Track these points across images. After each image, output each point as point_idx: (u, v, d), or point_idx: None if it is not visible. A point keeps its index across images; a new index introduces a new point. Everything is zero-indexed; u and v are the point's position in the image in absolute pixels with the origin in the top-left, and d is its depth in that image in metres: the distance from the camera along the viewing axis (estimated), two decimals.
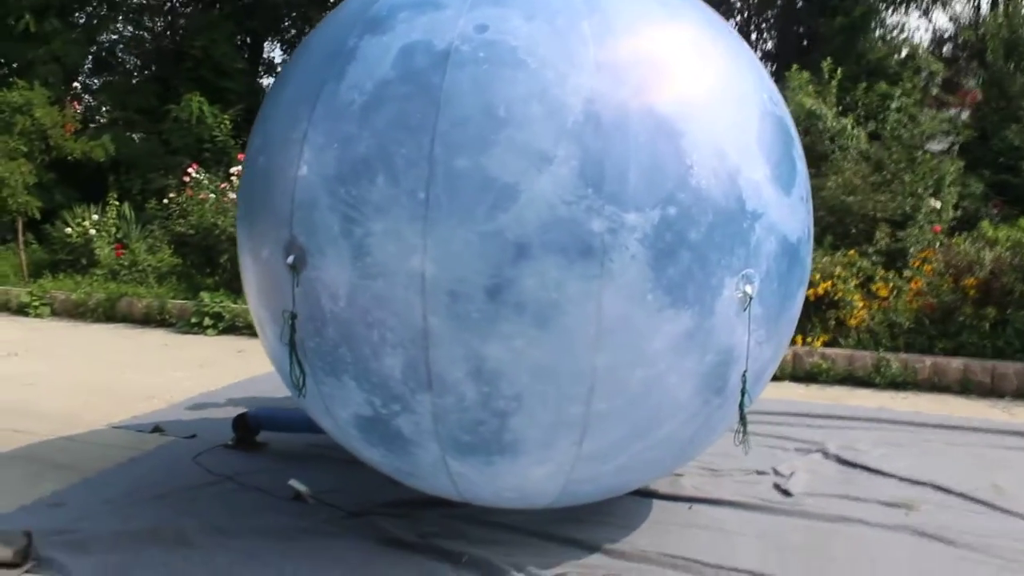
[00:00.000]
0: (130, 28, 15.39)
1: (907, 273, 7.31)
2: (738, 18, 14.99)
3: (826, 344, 6.68)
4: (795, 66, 9.37)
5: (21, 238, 10.42)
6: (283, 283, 2.86)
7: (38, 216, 10.23)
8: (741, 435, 2.91)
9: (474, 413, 2.70)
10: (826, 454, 4.42)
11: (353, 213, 2.66)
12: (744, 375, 2.85)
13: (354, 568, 3.01)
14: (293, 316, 2.86)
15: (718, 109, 2.78)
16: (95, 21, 14.10)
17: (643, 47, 2.74)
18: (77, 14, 13.86)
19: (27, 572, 2.95)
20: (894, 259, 7.88)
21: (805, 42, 13.21)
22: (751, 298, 2.76)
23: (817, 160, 8.57)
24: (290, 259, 2.80)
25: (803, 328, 6.67)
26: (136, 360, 7.00)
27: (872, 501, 3.74)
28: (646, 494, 3.64)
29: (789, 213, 2.94)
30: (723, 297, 2.71)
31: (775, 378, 6.40)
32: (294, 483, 3.61)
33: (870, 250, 7.89)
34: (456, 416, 2.72)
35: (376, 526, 3.31)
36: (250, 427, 4.32)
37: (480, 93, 2.58)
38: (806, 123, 8.73)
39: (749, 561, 3.10)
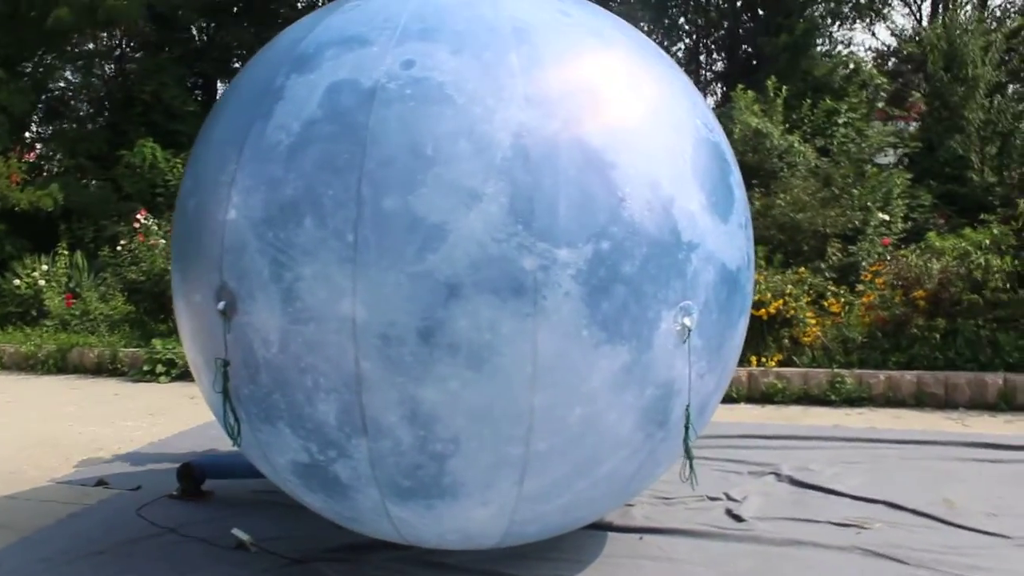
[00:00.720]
0: (79, 76, 15.22)
1: (860, 287, 7.37)
2: (687, 41, 15.09)
3: (780, 363, 6.69)
4: (740, 86, 9.45)
5: None
6: (215, 329, 2.79)
7: None
8: (688, 469, 2.87)
9: (411, 457, 2.64)
10: (779, 476, 4.40)
11: (282, 257, 2.60)
12: (687, 408, 2.81)
13: None
14: (225, 363, 2.79)
15: (650, 139, 2.75)
16: (41, 70, 13.89)
17: (573, 78, 2.72)
18: (24, 64, 13.63)
19: None
20: (847, 274, 7.95)
21: (754, 62, 13.33)
22: (690, 330, 2.73)
23: (766, 179, 8.65)
24: (221, 305, 2.74)
25: (757, 348, 6.68)
26: (85, 411, 6.82)
27: (824, 522, 3.72)
28: (597, 526, 3.58)
29: (727, 241, 2.92)
30: (661, 330, 2.67)
31: (730, 400, 6.46)
32: (237, 532, 3.52)
33: (823, 266, 7.95)
34: (393, 460, 2.66)
35: (319, 573, 3.22)
36: (195, 476, 4.22)
37: (406, 131, 2.54)
38: (753, 142, 8.80)
39: None
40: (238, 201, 2.71)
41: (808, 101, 9.61)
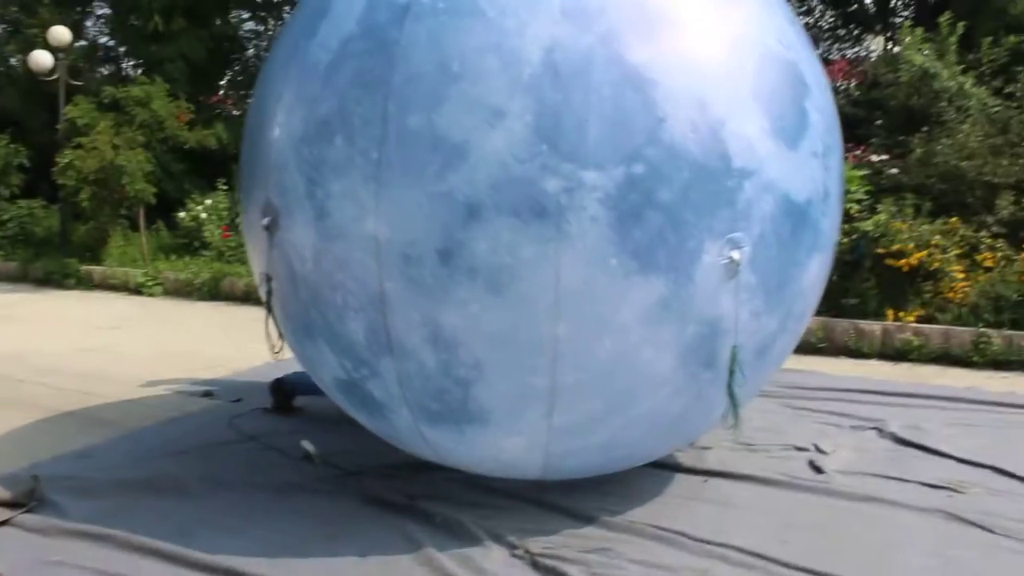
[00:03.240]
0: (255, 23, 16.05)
1: None
2: None
3: (920, 319, 6.21)
4: (906, 24, 8.69)
5: (143, 223, 11.01)
6: (264, 245, 2.85)
7: (153, 202, 10.74)
8: (731, 417, 2.70)
9: (436, 381, 2.61)
10: (882, 432, 4.08)
11: (314, 174, 2.60)
12: (734, 349, 2.63)
13: (327, 522, 3.00)
14: (269, 278, 2.84)
15: (702, 54, 2.55)
16: (218, 21, 14.64)
17: None
18: (206, 14, 14.37)
19: (26, 512, 3.04)
20: (1017, 229, 7.24)
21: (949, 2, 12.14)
22: (739, 264, 2.54)
23: (930, 123, 7.97)
24: (265, 221, 2.78)
25: (895, 301, 6.23)
26: (222, 334, 7.21)
27: (914, 482, 3.42)
28: (663, 466, 3.45)
29: (794, 170, 2.68)
30: (703, 263, 2.50)
31: (861, 355, 6.08)
32: (305, 444, 3.64)
33: (990, 219, 7.28)
34: (420, 383, 2.64)
35: (367, 486, 3.28)
36: (285, 392, 4.39)
37: (435, 47, 2.46)
38: (919, 84, 8.10)
39: (746, 538, 2.85)
40: (282, 119, 2.74)
41: (989, 39, 8.69)
